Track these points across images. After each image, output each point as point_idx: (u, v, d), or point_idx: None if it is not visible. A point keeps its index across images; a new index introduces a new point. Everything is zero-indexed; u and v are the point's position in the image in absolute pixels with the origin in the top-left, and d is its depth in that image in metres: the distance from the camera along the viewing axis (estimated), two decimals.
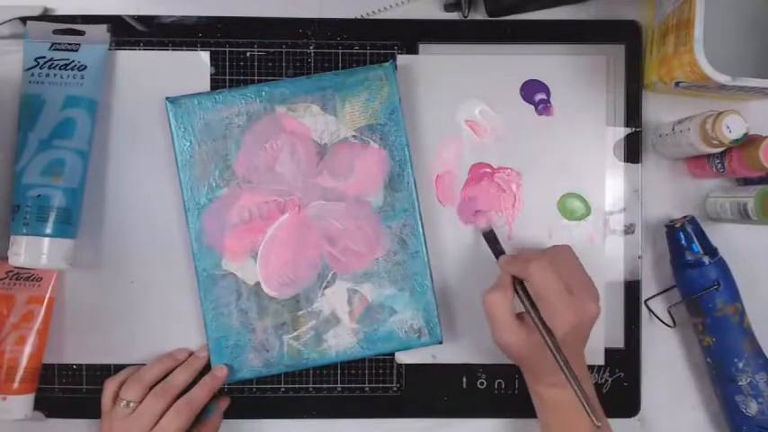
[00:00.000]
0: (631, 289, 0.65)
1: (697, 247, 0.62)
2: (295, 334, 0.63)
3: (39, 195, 0.59)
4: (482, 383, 0.65)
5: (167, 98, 0.62)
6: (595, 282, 0.65)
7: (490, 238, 0.63)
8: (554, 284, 0.54)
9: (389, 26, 0.65)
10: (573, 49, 0.65)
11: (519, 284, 0.58)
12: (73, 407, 0.64)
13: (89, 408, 0.63)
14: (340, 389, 0.65)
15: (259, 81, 0.65)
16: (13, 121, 0.62)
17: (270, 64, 0.65)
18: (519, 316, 0.57)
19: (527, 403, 0.65)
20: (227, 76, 0.65)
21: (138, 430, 0.58)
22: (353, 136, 0.63)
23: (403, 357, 0.65)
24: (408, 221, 0.63)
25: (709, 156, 0.62)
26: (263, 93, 0.63)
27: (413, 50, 0.65)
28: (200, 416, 0.61)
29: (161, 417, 0.59)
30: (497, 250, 0.62)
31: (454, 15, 0.66)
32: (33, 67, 0.62)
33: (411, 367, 0.65)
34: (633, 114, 0.66)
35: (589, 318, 0.55)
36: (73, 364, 0.64)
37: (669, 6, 0.60)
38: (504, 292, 0.57)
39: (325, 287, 0.63)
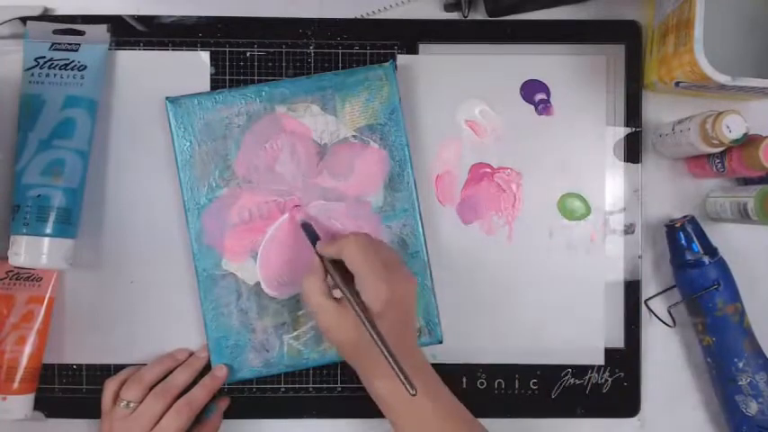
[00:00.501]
0: (631, 289, 0.65)
1: (697, 246, 0.62)
2: (295, 334, 0.63)
3: (39, 195, 0.59)
4: (482, 383, 0.65)
5: (167, 98, 0.62)
6: (595, 281, 0.66)
7: (308, 229, 0.61)
8: (368, 258, 0.54)
9: (389, 26, 0.65)
10: (573, 49, 0.65)
11: (334, 266, 0.56)
12: (73, 407, 0.64)
13: (89, 408, 0.63)
14: (340, 389, 0.65)
15: (259, 81, 0.65)
16: (13, 121, 0.62)
17: (270, 64, 0.65)
18: (339, 300, 0.55)
19: (527, 403, 0.65)
20: (227, 76, 0.65)
21: (139, 430, 0.58)
22: (353, 136, 0.63)
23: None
24: (408, 221, 0.63)
25: (709, 156, 0.62)
26: (263, 93, 0.63)
27: (413, 50, 0.65)
28: (201, 416, 0.61)
29: (161, 417, 0.59)
30: (314, 238, 0.60)
31: (454, 15, 0.66)
32: (33, 67, 0.62)
33: None
34: (633, 114, 0.66)
35: (406, 291, 0.55)
36: (73, 364, 0.64)
37: (669, 6, 0.60)
38: (315, 274, 0.56)
39: None
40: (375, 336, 0.52)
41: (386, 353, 0.51)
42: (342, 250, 0.55)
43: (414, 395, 0.50)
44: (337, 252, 0.56)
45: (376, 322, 0.52)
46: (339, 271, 0.56)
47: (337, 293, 0.55)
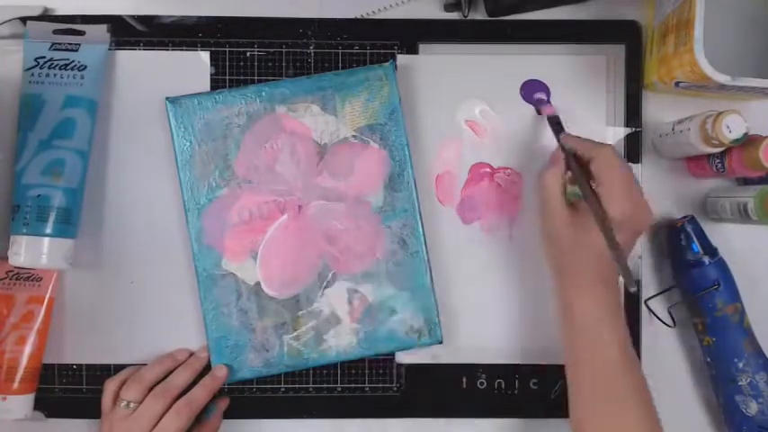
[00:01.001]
0: None
1: (697, 247, 0.62)
2: (295, 334, 0.63)
3: (39, 195, 0.59)
4: (482, 383, 0.65)
5: (167, 98, 0.62)
6: None
7: (554, 120, 0.62)
8: (618, 172, 0.54)
9: (389, 26, 0.65)
10: (573, 49, 0.65)
11: (577, 164, 0.56)
12: (73, 407, 0.64)
13: (89, 408, 0.63)
14: (340, 389, 0.65)
15: (259, 81, 0.65)
16: (13, 121, 0.62)
17: (270, 64, 0.65)
18: (572, 203, 0.56)
19: (527, 403, 0.65)
20: (227, 76, 0.65)
21: (139, 431, 0.58)
22: (353, 136, 0.63)
23: (403, 357, 0.65)
24: (408, 221, 0.63)
25: (709, 156, 0.62)
26: (263, 93, 0.63)
27: (413, 50, 0.65)
28: (201, 416, 0.61)
29: (161, 417, 0.59)
30: (559, 129, 0.61)
31: (454, 15, 0.66)
32: (33, 67, 0.62)
33: (411, 367, 0.65)
34: (633, 114, 0.66)
35: (643, 221, 0.55)
36: (73, 364, 0.64)
37: (669, 6, 0.60)
38: (557, 167, 0.56)
39: (326, 287, 0.63)
40: (609, 242, 0.51)
41: (620, 264, 0.51)
42: (597, 154, 0.54)
43: (633, 291, 0.51)
44: (589, 152, 0.55)
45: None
46: (581, 170, 0.56)
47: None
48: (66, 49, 0.62)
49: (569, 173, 0.57)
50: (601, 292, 0.54)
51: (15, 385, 0.61)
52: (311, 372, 0.65)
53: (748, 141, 0.57)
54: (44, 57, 0.62)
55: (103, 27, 0.64)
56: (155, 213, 0.64)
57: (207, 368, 0.63)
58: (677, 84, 0.60)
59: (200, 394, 0.61)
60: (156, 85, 0.64)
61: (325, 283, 0.63)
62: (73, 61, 0.62)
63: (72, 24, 0.64)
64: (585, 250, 0.54)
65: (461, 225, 0.65)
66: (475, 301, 0.65)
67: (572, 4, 0.66)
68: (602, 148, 0.55)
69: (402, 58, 0.65)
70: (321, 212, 0.63)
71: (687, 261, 0.62)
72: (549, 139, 0.65)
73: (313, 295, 0.63)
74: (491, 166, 0.65)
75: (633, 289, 0.51)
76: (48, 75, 0.61)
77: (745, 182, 0.65)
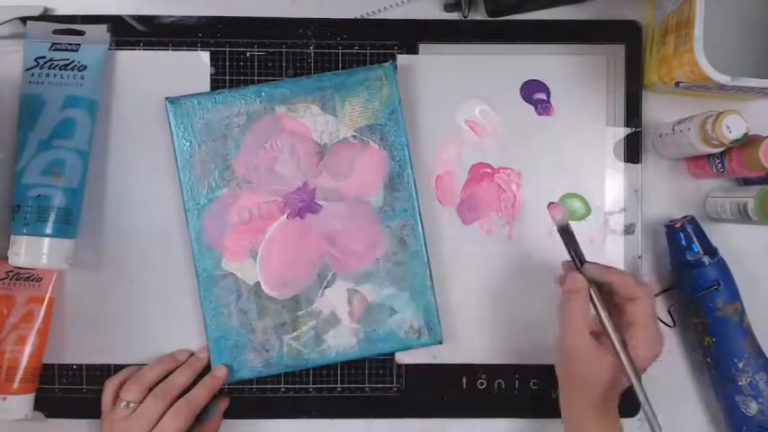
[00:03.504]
0: None
1: (697, 247, 0.62)
2: (295, 334, 0.63)
3: (39, 195, 0.59)
4: (482, 383, 0.65)
5: (167, 98, 0.62)
6: None
7: (568, 234, 0.55)
8: (654, 316, 0.53)
9: (389, 26, 0.65)
10: (573, 49, 0.65)
11: (597, 293, 0.54)
12: (73, 407, 0.64)
13: (89, 408, 0.63)
14: (340, 389, 0.65)
15: (259, 81, 0.65)
16: (13, 121, 0.62)
17: (270, 64, 0.65)
18: (595, 334, 0.54)
19: (527, 403, 0.65)
20: (227, 76, 0.65)
21: (139, 431, 0.58)
22: (353, 136, 0.63)
23: (403, 357, 0.65)
24: (408, 221, 0.63)
25: (709, 156, 0.62)
26: (263, 93, 0.63)
27: (413, 50, 0.65)
28: (201, 416, 0.61)
29: (161, 417, 0.59)
30: (577, 251, 0.55)
31: (454, 15, 0.66)
32: (33, 67, 0.62)
33: (411, 367, 0.65)
34: (633, 114, 0.66)
35: (655, 357, 0.54)
36: (73, 364, 0.64)
37: (669, 6, 0.60)
38: (584, 299, 0.54)
39: (325, 287, 0.63)
40: (641, 393, 0.52)
41: (647, 408, 0.51)
42: (641, 294, 0.53)
43: None
44: (630, 291, 0.53)
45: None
46: (602, 304, 0.54)
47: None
48: (66, 49, 0.62)
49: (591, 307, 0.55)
50: (611, 409, 0.54)
51: (15, 385, 0.61)
52: (311, 372, 0.65)
53: (748, 141, 0.57)
54: (44, 57, 0.62)
55: (103, 27, 0.64)
56: (155, 213, 0.64)
57: (207, 368, 0.63)
58: (677, 84, 0.60)
59: (201, 394, 0.61)
60: (156, 85, 0.64)
61: (325, 284, 0.63)
62: (73, 61, 0.62)
63: (72, 24, 0.64)
64: (608, 382, 0.53)
65: (461, 225, 0.65)
66: (475, 301, 0.65)
67: (572, 4, 0.66)
68: (646, 289, 0.53)
69: (402, 58, 0.65)
70: (321, 212, 0.63)
71: (687, 261, 0.62)
72: (549, 139, 0.65)
73: (313, 295, 0.63)
74: (491, 166, 0.65)
75: None
76: (48, 75, 0.61)
77: (745, 182, 0.65)
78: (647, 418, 0.52)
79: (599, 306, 0.54)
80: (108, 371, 0.64)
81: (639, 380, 0.52)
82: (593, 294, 0.54)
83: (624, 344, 0.52)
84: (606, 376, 0.53)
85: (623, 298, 0.54)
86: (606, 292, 0.55)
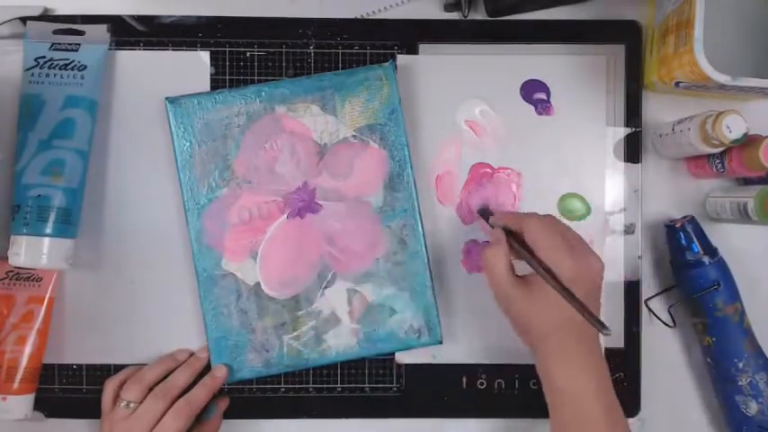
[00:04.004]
0: (631, 289, 0.65)
1: (697, 247, 0.62)
2: (295, 334, 0.63)
3: (39, 195, 0.59)
4: (482, 383, 0.65)
5: (167, 98, 0.62)
6: None
7: (485, 214, 0.62)
8: (552, 235, 0.53)
9: (389, 26, 0.65)
10: (573, 49, 0.65)
11: (515, 240, 0.56)
12: (73, 407, 0.64)
13: (89, 408, 0.63)
14: (340, 389, 0.65)
15: (259, 81, 0.65)
16: (13, 121, 0.62)
17: (270, 64, 0.65)
18: (521, 278, 0.55)
19: (527, 403, 0.65)
20: (227, 76, 0.65)
21: (139, 431, 0.58)
22: (353, 136, 0.63)
23: (403, 357, 0.65)
24: (408, 221, 0.63)
25: (709, 156, 0.62)
26: (263, 93, 0.63)
27: (413, 50, 0.65)
28: (201, 416, 0.61)
29: (161, 417, 0.59)
30: (487, 216, 0.61)
31: (454, 15, 0.66)
32: (33, 67, 0.62)
33: (411, 367, 0.65)
34: (633, 114, 0.66)
35: (595, 271, 0.53)
36: (73, 364, 0.64)
37: (669, 6, 0.60)
38: (500, 246, 0.55)
39: (325, 287, 0.63)
40: (564, 293, 0.51)
41: (585, 313, 0.50)
42: (527, 224, 0.54)
43: (607, 335, 0.49)
44: (518, 224, 0.55)
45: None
46: (523, 245, 0.55)
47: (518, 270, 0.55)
48: (66, 49, 0.62)
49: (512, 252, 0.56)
50: (584, 359, 0.53)
51: (15, 385, 0.61)
52: (311, 372, 0.65)
53: (748, 141, 0.57)
54: (44, 57, 0.62)
55: (103, 27, 0.64)
56: (155, 213, 0.64)
57: (207, 368, 0.63)
58: (677, 84, 0.60)
59: (201, 394, 0.61)
60: (156, 85, 0.64)
61: (325, 284, 0.63)
62: (73, 61, 0.62)
63: (72, 24, 0.64)
64: (552, 314, 0.53)
65: (461, 225, 0.65)
66: (475, 301, 0.65)
67: (572, 4, 0.66)
68: (530, 218, 0.55)
69: (402, 58, 0.65)
70: (321, 212, 0.63)
71: (687, 261, 0.62)
72: (549, 139, 0.65)
73: (313, 295, 0.63)
74: (491, 166, 0.65)
75: (607, 333, 0.49)
76: (48, 75, 0.61)
77: (745, 182, 0.65)
78: (589, 322, 0.50)
79: (515, 245, 0.55)
80: (108, 371, 0.64)
81: (566, 289, 0.51)
82: (510, 240, 0.56)
83: (543, 265, 0.53)
84: (543, 311, 0.53)
85: (521, 236, 0.55)
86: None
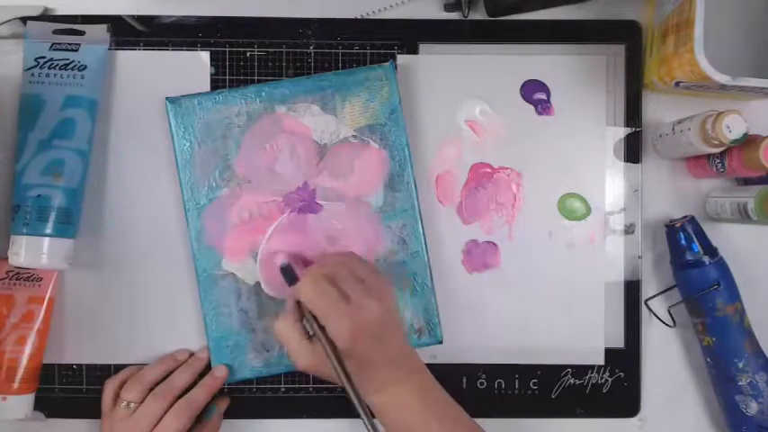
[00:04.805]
0: (631, 289, 0.65)
1: (697, 247, 0.62)
2: None
3: (39, 195, 0.59)
4: (482, 383, 0.65)
5: (167, 98, 0.62)
6: (595, 282, 0.66)
7: (287, 273, 0.59)
8: (324, 296, 0.52)
9: (389, 26, 0.65)
10: (573, 49, 0.65)
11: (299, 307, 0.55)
12: (73, 407, 0.64)
13: (89, 408, 0.63)
14: (340, 389, 0.65)
15: (259, 81, 0.65)
16: (13, 121, 0.62)
17: (270, 64, 0.65)
18: (312, 338, 0.54)
19: (527, 403, 0.65)
20: (227, 76, 0.65)
21: (139, 431, 0.58)
22: (353, 136, 0.63)
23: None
24: (408, 221, 0.63)
25: (709, 156, 0.62)
26: (263, 93, 0.63)
27: (413, 50, 0.65)
28: (201, 416, 0.61)
29: (161, 418, 0.59)
30: (292, 282, 0.59)
31: (454, 15, 0.66)
32: (33, 67, 0.62)
33: None
34: (633, 114, 0.66)
35: (373, 315, 0.52)
36: (73, 364, 0.64)
37: (669, 6, 0.60)
38: (288, 317, 0.54)
39: None
40: (343, 378, 0.52)
41: (352, 397, 0.51)
42: (300, 294, 0.53)
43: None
44: (297, 295, 0.54)
45: (346, 358, 0.52)
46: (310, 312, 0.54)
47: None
48: (66, 49, 0.62)
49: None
50: (395, 376, 0.53)
51: (15, 385, 0.61)
52: None
53: (748, 141, 0.57)
54: (44, 57, 0.62)
55: (103, 27, 0.64)
56: (155, 213, 0.64)
57: (207, 368, 0.63)
58: (677, 84, 0.60)
59: (201, 394, 0.61)
60: (156, 85, 0.64)
61: None
62: (73, 61, 0.62)
63: (72, 24, 0.64)
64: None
65: (461, 225, 0.65)
66: (475, 301, 0.65)
67: (572, 4, 0.66)
68: (300, 285, 0.53)
69: (402, 58, 0.65)
70: (321, 212, 0.63)
71: (687, 261, 0.62)
72: (549, 139, 0.65)
73: None
74: (491, 166, 0.65)
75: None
76: (48, 75, 0.61)
77: (745, 182, 0.65)
78: (352, 398, 0.51)
79: (304, 312, 0.54)
80: (108, 371, 0.64)
81: (342, 366, 0.52)
82: (301, 307, 0.54)
83: (323, 335, 0.52)
84: (320, 366, 0.54)
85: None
86: None
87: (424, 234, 0.63)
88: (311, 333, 0.54)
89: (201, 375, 0.62)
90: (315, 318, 0.53)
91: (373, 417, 0.52)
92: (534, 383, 0.65)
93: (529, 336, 0.65)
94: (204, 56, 0.65)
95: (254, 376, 0.64)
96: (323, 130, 0.63)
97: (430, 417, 0.54)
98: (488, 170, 0.65)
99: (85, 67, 0.62)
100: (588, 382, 0.65)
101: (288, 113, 0.63)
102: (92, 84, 0.62)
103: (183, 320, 0.64)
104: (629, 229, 0.66)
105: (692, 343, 0.66)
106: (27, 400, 0.62)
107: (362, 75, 0.63)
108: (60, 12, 0.65)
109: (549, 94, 0.65)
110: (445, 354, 0.65)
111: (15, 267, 0.61)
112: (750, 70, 0.62)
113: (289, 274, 0.59)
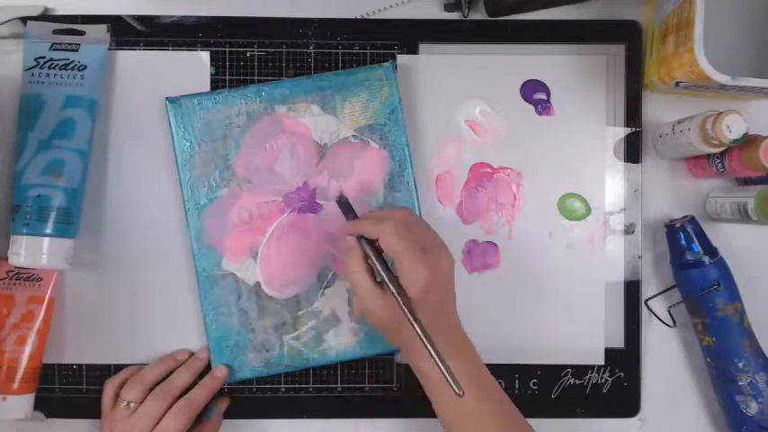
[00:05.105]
0: (631, 289, 0.65)
1: (697, 247, 0.62)
2: (295, 334, 0.63)
3: (39, 195, 0.59)
4: None
5: (167, 98, 0.62)
6: (595, 281, 0.66)
7: (344, 204, 0.58)
8: (406, 241, 0.52)
9: (389, 26, 0.65)
10: (573, 49, 0.65)
11: (370, 246, 0.54)
12: (73, 407, 0.64)
13: (89, 408, 0.63)
14: (340, 389, 0.65)
15: (259, 81, 0.65)
16: (13, 121, 0.62)
17: (270, 64, 0.65)
18: (381, 283, 0.54)
19: (527, 403, 0.65)
20: (227, 76, 0.65)
21: (139, 431, 0.58)
22: (353, 136, 0.63)
23: (403, 357, 0.65)
24: None
25: (709, 156, 0.62)
26: (263, 93, 0.63)
27: (413, 50, 0.65)
28: (201, 416, 0.61)
29: (161, 418, 0.59)
30: (350, 215, 0.58)
31: (454, 15, 0.66)
32: (33, 67, 0.62)
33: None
34: (633, 114, 0.66)
35: (445, 270, 0.53)
36: (73, 364, 0.64)
37: (669, 6, 0.60)
38: (355, 253, 0.54)
39: (326, 287, 0.63)
40: (417, 328, 0.51)
41: (430, 349, 0.50)
42: (381, 232, 0.53)
43: (461, 396, 0.49)
44: (373, 232, 0.54)
45: (416, 309, 0.51)
46: (378, 252, 0.54)
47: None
48: (66, 49, 0.62)
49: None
50: (451, 348, 0.52)
51: (15, 385, 0.61)
52: (311, 372, 0.65)
53: (748, 141, 0.57)
54: (44, 57, 0.62)
55: (103, 27, 0.64)
56: (155, 213, 0.64)
57: (207, 368, 0.63)
58: (677, 84, 0.60)
59: (201, 394, 0.61)
60: (156, 85, 0.64)
61: (325, 283, 0.63)
62: (73, 61, 0.62)
63: (72, 24, 0.64)
64: (407, 326, 0.52)
65: (461, 225, 0.65)
66: (475, 301, 0.65)
67: (572, 4, 0.66)
68: (383, 225, 0.53)
69: (402, 58, 0.65)
70: (321, 212, 0.63)
71: (687, 261, 0.62)
72: (549, 139, 0.65)
73: (313, 295, 0.63)
74: (491, 166, 0.65)
75: (460, 394, 0.49)
76: (48, 75, 0.61)
77: (745, 182, 0.65)
78: (427, 350, 0.50)
79: (370, 255, 0.54)
80: (108, 371, 0.64)
81: (415, 317, 0.51)
82: (364, 247, 0.54)
83: (395, 281, 0.52)
84: (397, 318, 0.52)
85: (377, 242, 0.54)
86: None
87: None
88: (382, 278, 0.53)
89: (201, 375, 0.62)
90: (384, 262, 0.53)
91: (453, 380, 0.50)
92: (534, 383, 0.65)
93: (529, 336, 0.65)
94: (204, 56, 0.65)
95: (254, 376, 0.64)
96: (323, 130, 0.63)
97: (477, 404, 0.53)
98: (488, 170, 0.65)
99: (85, 67, 0.62)
100: (588, 382, 0.65)
101: (288, 113, 0.63)
102: (92, 84, 0.62)
103: (182, 320, 0.64)
104: (629, 229, 0.66)
105: (692, 343, 0.66)
106: (27, 400, 0.62)
107: (362, 75, 0.63)
108: (60, 12, 0.65)
109: (549, 94, 0.65)
110: None
111: (15, 267, 0.61)
112: (750, 70, 0.62)
113: (347, 206, 0.58)
